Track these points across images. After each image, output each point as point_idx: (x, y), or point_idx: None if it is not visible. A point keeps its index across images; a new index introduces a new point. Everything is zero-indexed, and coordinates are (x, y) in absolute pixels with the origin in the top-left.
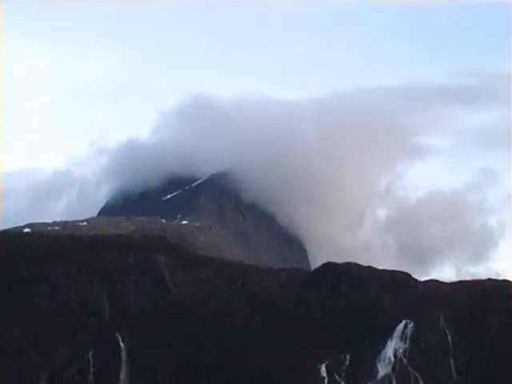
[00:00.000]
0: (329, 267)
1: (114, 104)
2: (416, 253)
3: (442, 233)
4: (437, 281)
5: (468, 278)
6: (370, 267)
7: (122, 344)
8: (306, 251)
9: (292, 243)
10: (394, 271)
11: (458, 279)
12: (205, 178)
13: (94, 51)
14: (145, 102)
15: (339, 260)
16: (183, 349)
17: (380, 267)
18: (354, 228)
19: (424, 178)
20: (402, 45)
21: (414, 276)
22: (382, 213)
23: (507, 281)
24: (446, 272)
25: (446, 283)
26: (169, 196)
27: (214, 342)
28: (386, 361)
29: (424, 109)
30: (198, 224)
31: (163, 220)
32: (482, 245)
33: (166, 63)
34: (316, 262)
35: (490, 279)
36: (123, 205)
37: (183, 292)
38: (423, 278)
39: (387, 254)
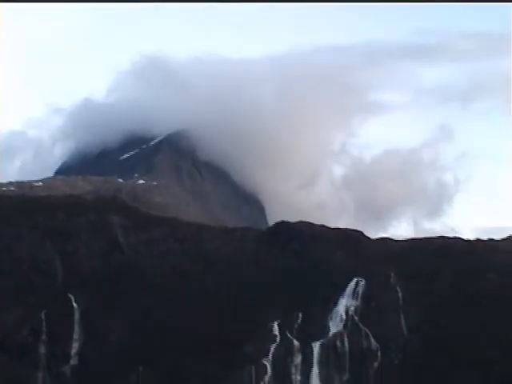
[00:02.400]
0: (281, 226)
1: (70, 64)
2: (373, 210)
3: (398, 190)
4: (389, 239)
5: (424, 234)
6: (322, 226)
7: (74, 304)
8: (263, 210)
9: (250, 202)
10: (346, 229)
11: (413, 236)
12: (161, 137)
13: (49, 12)
14: (100, 62)
15: (297, 218)
16: (136, 309)
17: (337, 225)
18: (311, 186)
19: (379, 135)
20: (359, 3)
21: (370, 233)
22: (338, 170)
23: (458, 238)
24: (403, 228)
25: (397, 241)
26: (125, 155)
27: (166, 302)
28: (338, 318)
29: (380, 66)
30: (155, 183)
31: (120, 180)
32: (437, 201)
33: (121, 23)
34: (274, 220)
35: (441, 237)
36: (80, 165)
37: (136, 252)
38: (380, 235)
39: (344, 211)
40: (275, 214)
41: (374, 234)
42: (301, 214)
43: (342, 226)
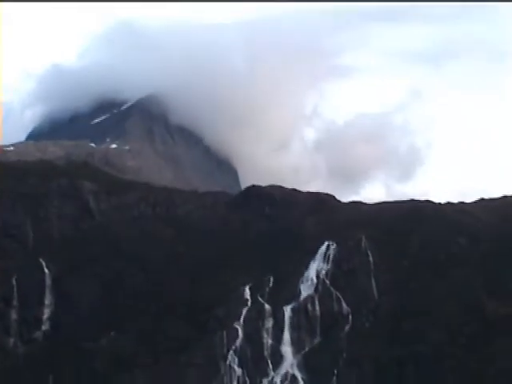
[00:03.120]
0: (253, 190)
1: (40, 29)
2: (345, 173)
3: (370, 153)
4: (360, 202)
5: (396, 197)
6: (294, 190)
7: (46, 270)
8: (236, 174)
9: (222, 166)
10: (318, 193)
11: (385, 199)
12: (133, 102)
13: None
14: (71, 26)
15: (270, 182)
16: (108, 274)
17: (310, 189)
18: (283, 150)
19: (351, 98)
20: None
21: (342, 197)
22: (310, 134)
23: (429, 201)
24: (375, 191)
25: (368, 204)
26: (97, 120)
27: (138, 267)
28: (309, 282)
29: (351, 29)
30: (127, 147)
31: (92, 144)
32: (409, 164)
33: None
34: (247, 184)
35: (412, 200)
36: (51, 130)
37: (107, 217)
38: (353, 199)
39: (317, 175)
40: (248, 178)
41: (346, 197)
42: (274, 178)
43: (315, 189)
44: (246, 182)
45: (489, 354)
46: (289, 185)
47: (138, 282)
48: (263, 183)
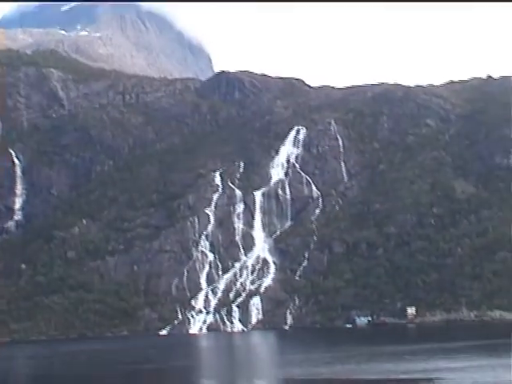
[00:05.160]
0: (222, 76)
1: None
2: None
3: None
4: (329, 86)
5: (366, 80)
6: (263, 75)
7: (16, 160)
8: (209, 58)
9: (195, 51)
10: (287, 78)
11: (354, 83)
12: None
13: None
14: None
15: (243, 65)
16: (77, 162)
17: (282, 72)
18: (257, 32)
19: None
20: None
21: (308, 82)
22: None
23: (398, 84)
24: (344, 75)
25: (338, 88)
26: (67, 7)
27: (108, 155)
28: (279, 167)
29: None
30: (97, 34)
31: (62, 31)
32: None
33: None
34: (220, 68)
35: (381, 83)
36: (21, 17)
37: (76, 106)
38: (322, 83)
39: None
40: (221, 62)
41: (316, 81)
42: (247, 61)
43: (285, 73)
44: (219, 66)
45: (457, 233)
46: (263, 68)
47: (108, 170)
48: (236, 68)
